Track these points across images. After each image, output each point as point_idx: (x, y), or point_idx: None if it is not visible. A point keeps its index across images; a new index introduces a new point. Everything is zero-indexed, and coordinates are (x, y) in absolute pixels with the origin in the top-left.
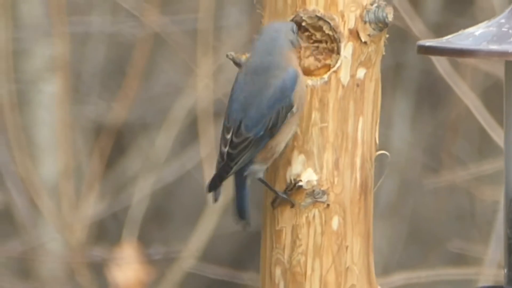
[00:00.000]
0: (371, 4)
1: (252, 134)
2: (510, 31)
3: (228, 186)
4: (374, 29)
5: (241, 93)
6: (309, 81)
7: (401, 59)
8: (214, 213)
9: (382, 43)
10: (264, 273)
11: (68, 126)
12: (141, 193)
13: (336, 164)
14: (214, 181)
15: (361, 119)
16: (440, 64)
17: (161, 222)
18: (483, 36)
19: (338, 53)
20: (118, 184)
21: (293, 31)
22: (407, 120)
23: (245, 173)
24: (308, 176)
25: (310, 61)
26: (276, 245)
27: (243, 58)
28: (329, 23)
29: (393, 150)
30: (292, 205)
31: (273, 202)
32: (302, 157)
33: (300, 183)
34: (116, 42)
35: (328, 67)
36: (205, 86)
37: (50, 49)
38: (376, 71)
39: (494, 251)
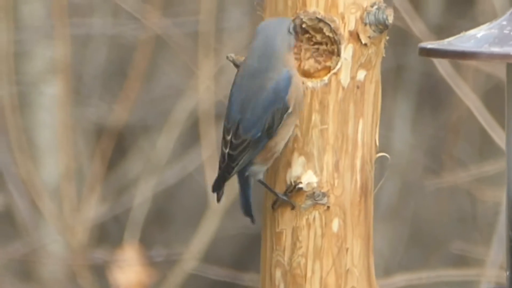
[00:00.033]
0: (372, 6)
1: (250, 135)
2: None
3: (229, 188)
4: (374, 31)
5: (239, 95)
6: (309, 83)
7: (402, 61)
8: (216, 215)
9: (382, 45)
10: (264, 275)
11: (70, 128)
12: (142, 195)
13: (336, 166)
14: (218, 182)
15: (361, 121)
16: (442, 65)
17: (162, 224)
18: (484, 38)
19: (338, 55)
20: (119, 186)
21: (289, 31)
22: (408, 122)
23: (246, 174)
24: (308, 178)
25: (310, 63)
26: (276, 247)
27: (243, 60)
28: (329, 25)
29: (394, 152)
30: (293, 207)
31: (273, 204)
32: (302, 159)
33: (300, 185)
34: (118, 44)
35: (328, 69)
36: (206, 88)
37: (52, 51)
38: (376, 73)
39: (496, 252)
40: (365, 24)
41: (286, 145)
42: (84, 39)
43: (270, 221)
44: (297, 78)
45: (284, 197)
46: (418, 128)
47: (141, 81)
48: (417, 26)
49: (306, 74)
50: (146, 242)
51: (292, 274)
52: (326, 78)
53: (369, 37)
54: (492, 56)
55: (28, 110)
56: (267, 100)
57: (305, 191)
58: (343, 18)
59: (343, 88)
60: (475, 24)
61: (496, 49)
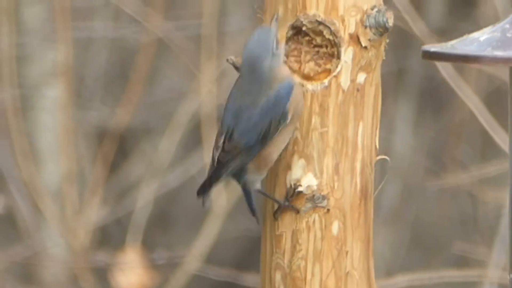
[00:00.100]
0: (372, 9)
1: (243, 142)
2: None
3: (231, 191)
4: (374, 33)
5: (234, 101)
6: (309, 85)
7: (404, 63)
8: (218, 218)
9: (382, 47)
10: (264, 278)
11: (71, 131)
12: (144, 198)
13: (336, 169)
14: (203, 186)
15: (361, 124)
16: (444, 67)
17: (164, 227)
18: (487, 41)
19: (339, 57)
20: (121, 189)
21: (275, 48)
22: (409, 125)
23: (242, 182)
24: (308, 181)
25: (310, 66)
26: (276, 250)
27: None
28: (329, 28)
29: (396, 154)
30: (297, 212)
31: (275, 214)
32: (302, 161)
33: (300, 189)
34: (119, 47)
35: (328, 71)
36: (208, 91)
37: (54, 54)
38: (377, 76)
39: (499, 254)
40: (365, 27)
41: (281, 154)
42: (86, 42)
43: (270, 224)
44: (299, 89)
45: (286, 203)
46: (420, 131)
47: (143, 84)
48: (418, 28)
49: (306, 77)
50: (148, 244)
51: (292, 277)
52: (326, 81)
53: (369, 40)
54: (495, 60)
55: (30, 113)
56: (267, 107)
57: (305, 194)
58: (343, 20)
59: (343, 91)
60: (477, 26)
61: (499, 53)
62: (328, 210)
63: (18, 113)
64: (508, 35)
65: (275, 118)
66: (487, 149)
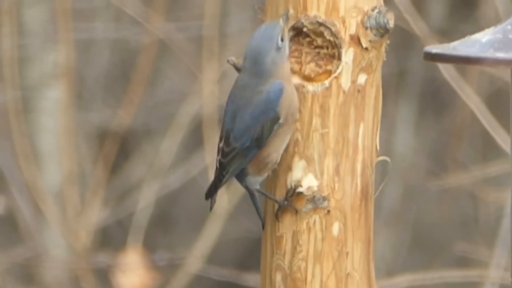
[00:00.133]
0: (372, 10)
1: (239, 144)
2: None
3: (233, 193)
4: (375, 35)
5: (231, 105)
6: (310, 87)
7: (405, 64)
8: (219, 219)
9: (383, 49)
10: (264, 279)
11: (73, 132)
12: (146, 199)
13: (336, 170)
14: (210, 189)
15: (362, 125)
16: (445, 68)
17: (166, 228)
18: (489, 43)
19: (339, 59)
20: (122, 190)
21: (280, 42)
22: (410, 126)
23: (243, 184)
24: (308, 182)
25: (311, 67)
26: (277, 251)
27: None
28: (330, 29)
29: (397, 155)
30: (296, 211)
31: (276, 215)
32: (302, 162)
33: (300, 190)
34: (121, 48)
35: (329, 73)
36: (209, 93)
37: (55, 55)
38: (377, 77)
39: (500, 254)
40: (366, 28)
41: (281, 157)
42: (87, 44)
43: (271, 225)
44: (291, 89)
45: (286, 203)
46: (421, 132)
47: (144, 86)
48: (419, 29)
49: (307, 78)
50: (149, 245)
51: (292, 278)
52: (327, 82)
53: (370, 41)
54: (497, 62)
55: (31, 114)
56: (257, 110)
57: (306, 195)
58: (344, 22)
59: (344, 92)
60: (478, 27)
61: (501, 54)
62: (329, 211)
63: (20, 115)
64: (510, 36)
65: (267, 120)
66: (488, 150)
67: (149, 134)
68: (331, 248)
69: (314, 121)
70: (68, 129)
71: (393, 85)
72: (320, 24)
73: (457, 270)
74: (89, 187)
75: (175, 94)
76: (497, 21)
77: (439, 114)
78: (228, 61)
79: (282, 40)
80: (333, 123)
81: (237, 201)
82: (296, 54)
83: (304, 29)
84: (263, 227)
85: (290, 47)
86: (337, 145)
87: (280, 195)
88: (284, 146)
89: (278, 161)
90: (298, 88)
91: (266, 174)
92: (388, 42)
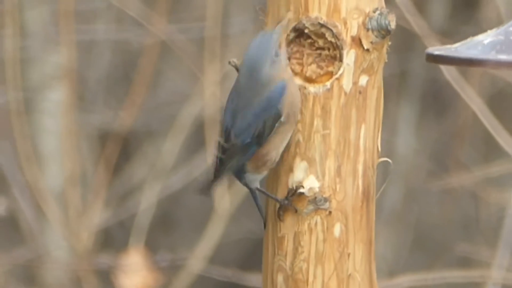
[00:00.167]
0: (374, 12)
1: (239, 141)
2: None
3: (235, 194)
4: (376, 36)
5: (232, 103)
6: (312, 88)
7: (406, 65)
8: (221, 220)
9: (384, 50)
10: (266, 280)
11: (74, 133)
12: (147, 200)
13: (338, 171)
14: (207, 184)
15: (363, 126)
16: (447, 69)
17: (167, 229)
18: (492, 44)
19: (341, 60)
20: (124, 191)
21: (275, 55)
22: (411, 127)
23: (243, 181)
24: (310, 183)
25: (312, 68)
26: (278, 252)
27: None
28: (331, 30)
29: (398, 157)
30: (296, 211)
31: (279, 215)
32: (304, 164)
33: (301, 190)
34: (122, 50)
35: (331, 74)
36: (211, 94)
37: (57, 57)
38: (379, 79)
39: (502, 255)
40: (368, 30)
41: (282, 154)
42: (89, 45)
43: (272, 226)
44: (294, 88)
45: (286, 202)
46: (422, 133)
47: (146, 87)
48: (421, 30)
49: (308, 79)
50: (151, 247)
51: (294, 279)
52: (328, 83)
53: (371, 42)
54: (499, 64)
55: (33, 115)
56: (259, 107)
57: (307, 196)
58: (345, 23)
59: (345, 93)
60: (480, 28)
61: (503, 57)
62: (330, 212)
63: (21, 116)
64: None
65: (269, 117)
66: (490, 150)
67: (151, 135)
68: (332, 249)
69: (315, 123)
70: (70, 130)
71: (394, 86)
72: (322, 25)
73: (459, 270)
74: (91, 188)
75: (177, 95)
76: (498, 22)
77: (441, 115)
78: (229, 62)
79: (277, 54)
80: (335, 125)
81: (239, 202)
82: (297, 55)
83: (306, 31)
84: (264, 225)
85: (291, 49)
86: (339, 146)
87: (281, 196)
88: (284, 145)
89: (277, 160)
90: (299, 89)
91: (265, 172)
92: (389, 43)
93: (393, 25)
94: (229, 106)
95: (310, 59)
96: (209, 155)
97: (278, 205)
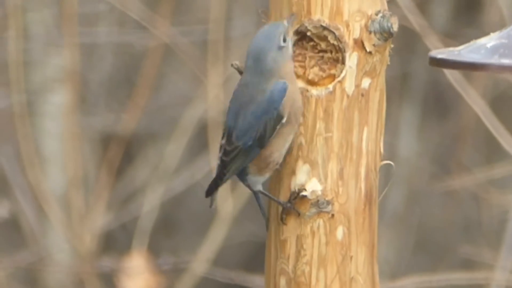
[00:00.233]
0: (376, 14)
1: (241, 143)
2: None
3: (237, 196)
4: (379, 39)
5: (234, 104)
6: (314, 91)
7: (409, 68)
8: (224, 223)
9: (387, 53)
10: (268, 283)
11: (77, 136)
12: (150, 203)
13: (340, 174)
14: (210, 187)
15: (365, 129)
16: (449, 71)
17: (170, 232)
18: (495, 48)
19: (343, 63)
20: (127, 194)
21: (283, 41)
22: (414, 129)
23: (245, 183)
24: (312, 186)
25: (315, 71)
26: (281, 255)
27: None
28: (334, 33)
29: (400, 159)
30: (298, 214)
31: (281, 217)
32: (306, 167)
33: (304, 193)
34: (125, 53)
35: (333, 77)
36: (214, 96)
37: (59, 60)
38: (381, 81)
39: (506, 257)
40: (370, 32)
41: (285, 157)
42: (91, 48)
43: (275, 229)
44: (295, 89)
45: (288, 205)
46: (424, 135)
47: (148, 90)
48: (423, 33)
49: (311, 82)
50: (154, 249)
51: (296, 282)
52: (330, 86)
53: (373, 45)
54: (502, 68)
55: (35, 118)
56: (260, 109)
57: (310, 199)
58: (347, 26)
59: (348, 96)
60: (482, 31)
61: (506, 61)
62: (333, 215)
63: (24, 119)
64: None
65: (270, 119)
66: (493, 153)
67: (153, 138)
68: (335, 252)
69: (318, 125)
70: (72, 133)
71: (397, 88)
72: (324, 28)
73: (461, 273)
74: (94, 191)
75: (180, 98)
76: (501, 25)
77: (443, 117)
78: (232, 65)
79: (284, 40)
80: (337, 127)
81: (242, 205)
82: (300, 58)
83: (308, 33)
84: (267, 227)
85: (294, 50)
86: (341, 149)
87: (284, 199)
88: (286, 147)
89: (280, 161)
90: (302, 92)
91: (267, 175)
92: (392, 46)
93: (395, 27)
94: (232, 106)
95: (313, 62)
96: (212, 158)
97: (281, 209)
